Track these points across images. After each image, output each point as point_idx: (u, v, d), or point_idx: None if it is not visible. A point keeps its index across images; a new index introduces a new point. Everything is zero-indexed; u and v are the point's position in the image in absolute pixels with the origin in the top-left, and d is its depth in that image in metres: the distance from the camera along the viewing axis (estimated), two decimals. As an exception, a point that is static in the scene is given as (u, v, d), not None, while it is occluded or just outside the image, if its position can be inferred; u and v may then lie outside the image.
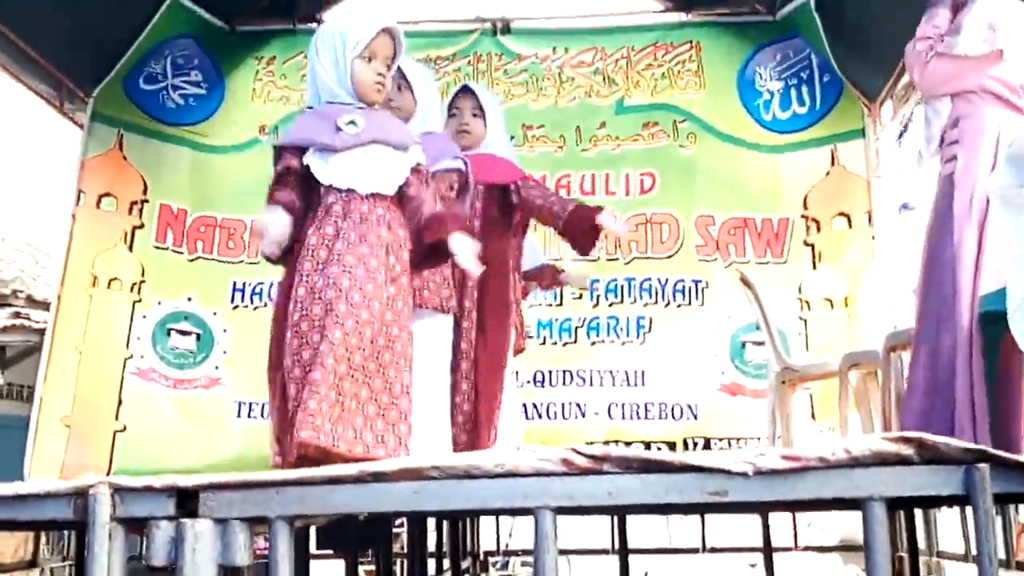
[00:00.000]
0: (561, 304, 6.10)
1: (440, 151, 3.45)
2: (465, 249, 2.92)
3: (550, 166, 6.28)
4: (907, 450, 1.69)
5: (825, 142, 6.13)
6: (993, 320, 2.74)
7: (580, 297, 6.05)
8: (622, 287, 6.13)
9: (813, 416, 5.63)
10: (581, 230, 3.76)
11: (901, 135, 5.48)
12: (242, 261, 6.30)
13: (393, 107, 3.42)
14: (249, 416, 6.02)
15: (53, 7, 5.62)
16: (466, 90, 3.83)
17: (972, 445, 1.72)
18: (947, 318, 3.00)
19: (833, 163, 6.09)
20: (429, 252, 3.02)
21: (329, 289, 2.81)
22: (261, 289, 6.21)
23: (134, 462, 5.76)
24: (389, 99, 3.37)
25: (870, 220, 5.93)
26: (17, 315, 8.76)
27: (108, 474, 5.60)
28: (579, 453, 1.75)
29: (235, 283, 6.26)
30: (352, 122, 2.93)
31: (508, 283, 3.76)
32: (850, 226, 5.98)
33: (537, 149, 6.35)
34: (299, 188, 2.97)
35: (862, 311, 5.82)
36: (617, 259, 6.15)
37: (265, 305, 6.16)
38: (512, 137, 5.68)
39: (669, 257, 6.16)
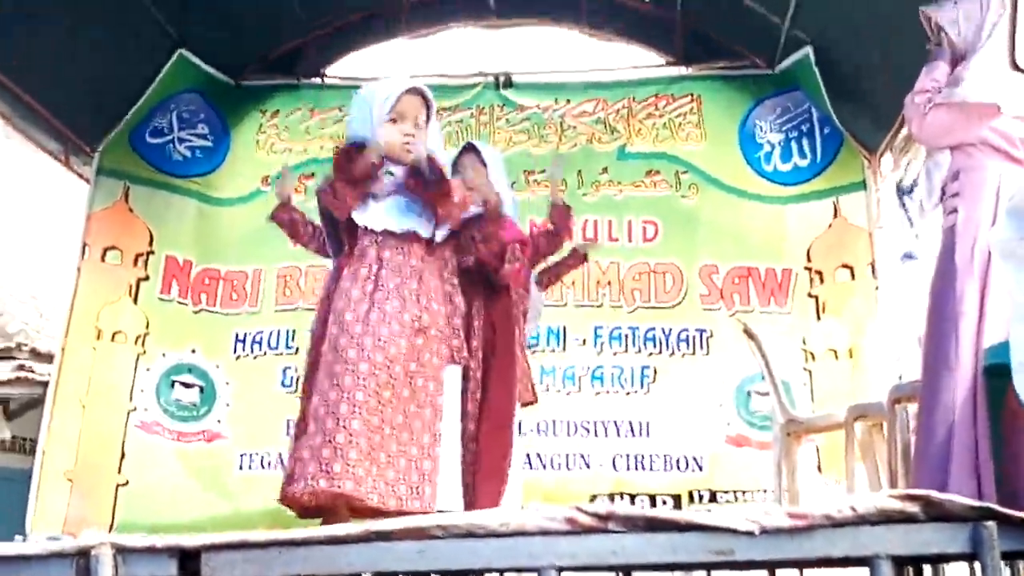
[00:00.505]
0: (565, 350, 6.08)
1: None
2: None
3: None
4: (913, 508, 1.68)
5: (827, 194, 6.15)
6: (997, 372, 2.73)
7: (584, 343, 6.05)
8: (626, 336, 6.10)
9: (819, 468, 5.58)
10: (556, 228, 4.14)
11: (911, 190, 5.49)
12: (242, 312, 6.31)
13: (468, 185, 3.61)
14: (251, 468, 5.99)
15: (59, 62, 5.68)
16: (470, 148, 3.89)
17: (978, 503, 1.71)
18: (951, 371, 2.99)
19: (835, 215, 6.10)
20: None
21: (351, 347, 2.83)
22: (261, 338, 6.21)
23: (136, 516, 5.74)
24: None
25: (873, 271, 5.93)
26: (21, 368, 8.74)
27: (111, 529, 5.60)
28: (583, 512, 1.73)
29: (237, 333, 6.25)
30: (390, 172, 3.00)
31: (513, 337, 3.78)
32: (853, 277, 5.97)
33: (539, 193, 6.29)
34: (334, 230, 3.12)
35: (866, 362, 5.79)
36: (621, 307, 6.14)
37: (265, 354, 6.19)
38: (514, 183, 5.72)
39: (673, 306, 6.14)
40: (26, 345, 9.34)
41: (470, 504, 3.43)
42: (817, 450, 5.53)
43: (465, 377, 3.54)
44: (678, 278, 6.18)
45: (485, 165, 3.80)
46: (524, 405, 3.95)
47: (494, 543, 1.74)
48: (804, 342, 5.96)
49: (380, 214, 3.01)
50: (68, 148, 6.30)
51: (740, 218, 6.26)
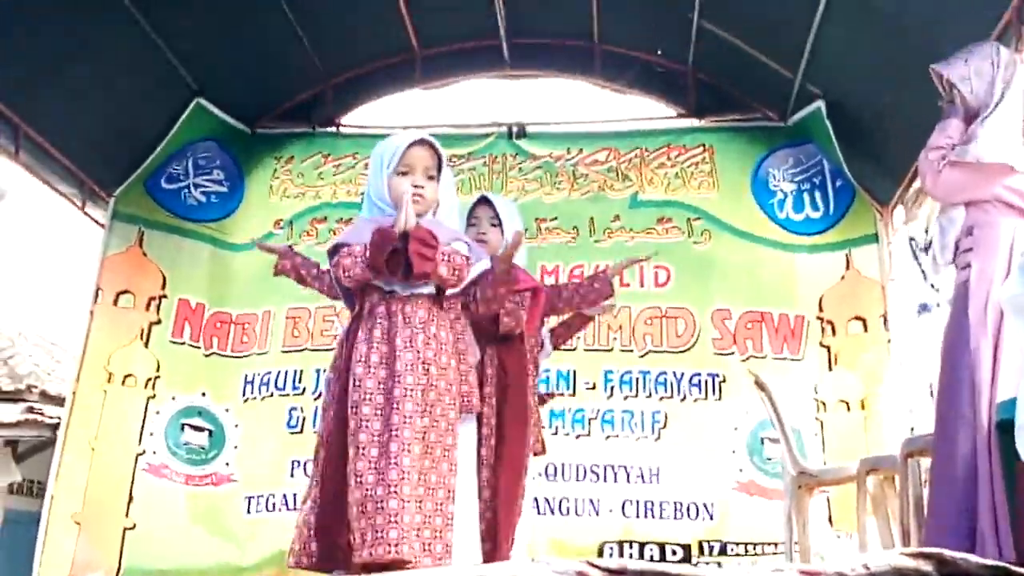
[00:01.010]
0: (575, 394, 6.02)
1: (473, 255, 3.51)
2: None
3: (564, 256, 6.29)
4: (926, 566, 1.67)
5: (839, 247, 6.14)
6: (1010, 428, 2.72)
7: (594, 387, 5.99)
8: (637, 380, 6.04)
9: (831, 520, 5.52)
10: (593, 295, 4.14)
11: (927, 246, 5.50)
12: (252, 354, 6.30)
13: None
14: (258, 512, 5.95)
15: (79, 109, 5.76)
16: (484, 200, 3.89)
17: (993, 562, 1.70)
18: (963, 426, 2.98)
19: (848, 267, 6.09)
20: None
21: (387, 407, 2.85)
22: (269, 379, 6.21)
23: (143, 560, 5.73)
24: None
25: (885, 324, 5.90)
26: (31, 410, 8.76)
27: (117, 573, 5.57)
28: (595, 567, 1.72)
29: (246, 375, 6.25)
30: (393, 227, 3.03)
31: (527, 388, 3.79)
32: (865, 329, 5.94)
33: (550, 240, 6.36)
34: (350, 292, 3.13)
35: (879, 414, 5.75)
36: (632, 351, 6.08)
37: (272, 395, 6.17)
38: (526, 230, 5.72)
39: (685, 351, 6.08)
40: (36, 387, 9.38)
41: (488, 551, 3.42)
42: (828, 502, 5.47)
43: (479, 424, 3.55)
44: (690, 323, 6.13)
45: (499, 220, 3.81)
46: (533, 455, 3.95)
47: (504, 597, 1.73)
48: (816, 391, 5.91)
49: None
50: (85, 193, 6.37)
51: (753, 263, 6.22)
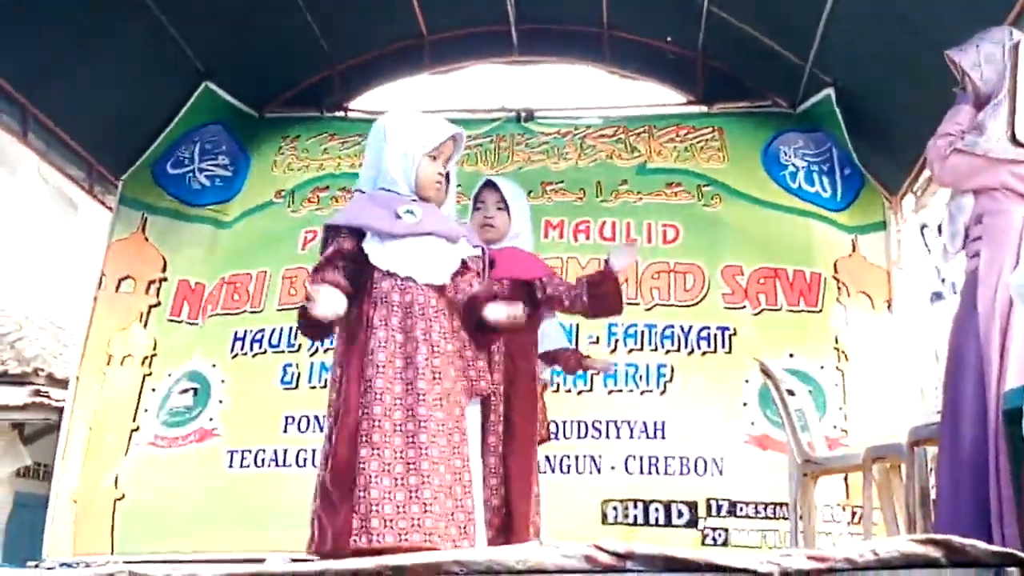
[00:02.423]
0: (577, 348, 5.64)
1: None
2: (502, 313, 3.02)
3: (569, 213, 6.17)
4: (935, 552, 1.67)
5: (847, 231, 6.11)
6: (1017, 417, 2.71)
7: (597, 341, 5.76)
8: (642, 333, 5.85)
9: (847, 494, 5.36)
10: (604, 302, 3.78)
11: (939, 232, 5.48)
12: (245, 311, 6.21)
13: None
14: (242, 466, 5.81)
15: (86, 93, 5.76)
16: (490, 184, 3.84)
17: (1000, 548, 1.70)
18: (969, 415, 2.97)
19: (853, 251, 6.05)
20: (478, 333, 3.09)
21: (400, 395, 2.86)
22: (262, 336, 6.09)
23: (133, 530, 5.68)
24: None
25: (889, 309, 5.88)
26: (37, 393, 8.79)
27: (112, 547, 5.56)
28: (602, 550, 1.73)
29: (236, 332, 6.14)
30: (410, 211, 3.01)
31: (534, 375, 3.79)
32: (873, 308, 5.89)
33: (555, 201, 6.24)
34: (348, 270, 3.01)
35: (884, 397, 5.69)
36: (638, 304, 5.87)
37: (265, 352, 6.06)
38: (531, 191, 5.60)
39: (693, 305, 5.92)
40: (43, 370, 9.39)
41: (506, 538, 3.42)
42: (845, 479, 5.26)
43: (486, 409, 3.54)
44: (699, 277, 5.97)
45: (506, 204, 3.78)
46: (539, 443, 3.94)
47: (512, 580, 1.73)
48: (836, 340, 5.78)
49: (403, 257, 3.00)
50: (92, 177, 6.38)
51: (766, 224, 6.10)
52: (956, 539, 1.68)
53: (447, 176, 3.25)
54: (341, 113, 6.89)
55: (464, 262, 3.10)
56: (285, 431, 5.79)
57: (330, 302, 2.89)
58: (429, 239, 3.03)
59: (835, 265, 5.98)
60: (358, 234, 3.02)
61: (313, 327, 3.01)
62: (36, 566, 5.53)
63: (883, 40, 5.23)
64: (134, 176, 6.38)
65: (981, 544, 1.69)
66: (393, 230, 2.98)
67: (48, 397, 8.65)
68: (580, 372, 4.97)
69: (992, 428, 2.89)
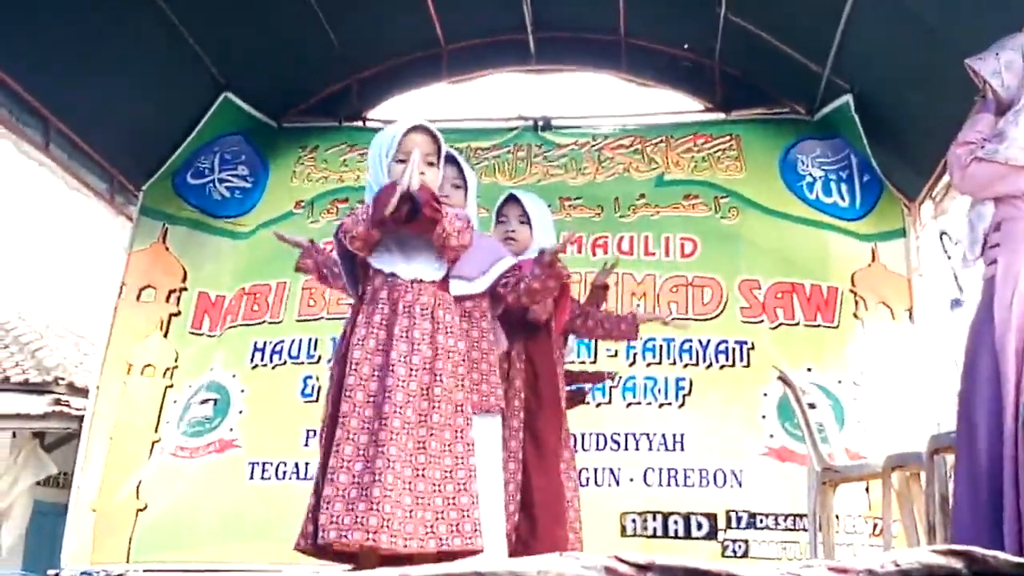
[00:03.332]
0: (595, 361, 5.81)
1: (498, 253, 3.49)
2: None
3: (587, 228, 6.16)
4: (956, 563, 1.66)
5: (866, 239, 6.09)
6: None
7: (616, 355, 5.78)
8: (660, 347, 5.86)
9: (869, 506, 5.38)
10: (617, 332, 4.14)
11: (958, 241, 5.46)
12: (264, 322, 6.24)
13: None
14: (263, 478, 5.84)
15: (107, 103, 5.80)
16: (512, 198, 3.85)
17: (1022, 559, 1.69)
18: (984, 424, 2.96)
19: (873, 260, 6.04)
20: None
21: (374, 393, 2.86)
22: (282, 348, 6.14)
23: (153, 539, 5.70)
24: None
25: (911, 317, 5.87)
26: (57, 402, 8.85)
27: (128, 555, 5.58)
28: (623, 561, 1.72)
29: (255, 343, 6.17)
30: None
31: (556, 380, 3.79)
32: (893, 317, 5.88)
33: (574, 216, 6.24)
34: (353, 270, 3.13)
35: (905, 403, 5.66)
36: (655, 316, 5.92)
37: (285, 363, 6.11)
38: (549, 205, 5.63)
39: (711, 319, 5.93)
40: (63, 379, 9.46)
41: (535, 551, 3.42)
42: (867, 490, 5.27)
43: (509, 419, 3.55)
44: (717, 292, 6.00)
45: (528, 217, 3.78)
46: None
47: (532, 590, 1.73)
48: (854, 356, 5.78)
49: (390, 255, 3.04)
50: (114, 187, 6.43)
51: (783, 238, 6.11)
52: (978, 550, 1.67)
53: (463, 176, 3.32)
54: (359, 123, 6.91)
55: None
56: (306, 444, 5.79)
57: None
58: (415, 238, 3.04)
59: (852, 278, 5.98)
60: None
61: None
62: (56, 575, 5.56)
63: (901, 46, 5.22)
64: (155, 186, 6.42)
65: (1003, 555, 1.69)
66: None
67: (68, 406, 8.71)
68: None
69: (1011, 436, 2.87)
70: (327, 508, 2.76)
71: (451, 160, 3.62)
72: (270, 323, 6.23)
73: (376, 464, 2.77)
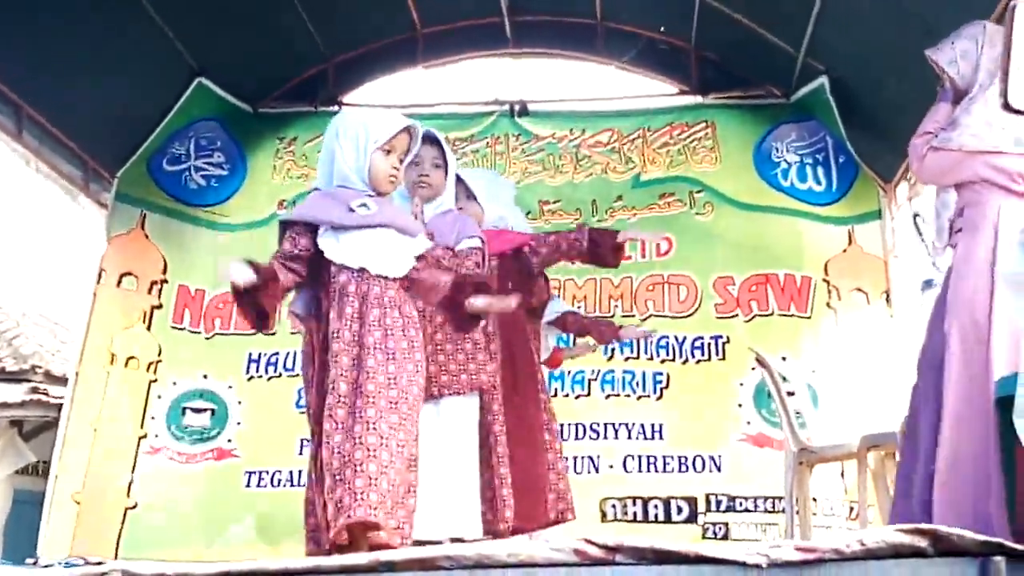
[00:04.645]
0: (573, 358, 5.84)
1: (461, 231, 3.50)
2: (483, 305, 3.05)
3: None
4: (922, 542, 1.68)
5: (842, 222, 6.13)
6: (1008, 404, 2.72)
7: (595, 349, 5.73)
8: (638, 343, 5.97)
9: (846, 490, 5.46)
10: (604, 251, 3.99)
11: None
12: (257, 333, 6.26)
13: (425, 182, 3.55)
14: (259, 486, 5.97)
15: (80, 90, 5.75)
16: (429, 138, 3.60)
17: (988, 538, 1.71)
18: (927, 406, 3.02)
19: (850, 243, 6.08)
20: (465, 318, 3.12)
21: (362, 378, 2.86)
22: (276, 360, 6.22)
23: (143, 538, 5.74)
24: (423, 175, 3.56)
25: (888, 300, 5.91)
26: (35, 390, 8.81)
27: (116, 550, 5.59)
28: (592, 543, 1.73)
29: (251, 354, 6.25)
30: (364, 204, 3.03)
31: (532, 356, 3.81)
32: (868, 303, 5.94)
33: (552, 223, 6.29)
34: (305, 267, 3.09)
35: (878, 388, 5.72)
36: (633, 315, 6.04)
37: (280, 375, 6.18)
38: (528, 212, 5.72)
39: (687, 316, 6.06)
40: (40, 367, 9.41)
41: (518, 527, 3.44)
42: (843, 475, 5.40)
43: (487, 399, 3.56)
44: (692, 289, 6.12)
45: (444, 161, 3.65)
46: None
47: (501, 574, 1.74)
48: (826, 346, 5.87)
49: (356, 249, 3.02)
50: (88, 174, 6.38)
51: (757, 231, 6.20)
52: (943, 528, 1.69)
53: (443, 157, 3.32)
54: (335, 108, 6.85)
55: (423, 256, 3.13)
56: (300, 453, 5.84)
57: (238, 273, 2.94)
58: (383, 231, 3.05)
59: (825, 267, 6.07)
60: (312, 229, 3.06)
61: (244, 307, 3.06)
62: (34, 563, 5.54)
63: (876, 28, 5.22)
64: (130, 172, 6.37)
65: (968, 533, 1.70)
66: (345, 222, 3.00)
67: (46, 394, 8.67)
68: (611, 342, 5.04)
69: (952, 419, 2.91)
70: (332, 494, 2.78)
71: (433, 141, 3.63)
72: (264, 335, 6.21)
73: (368, 440, 2.80)
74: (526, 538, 3.50)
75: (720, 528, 5.62)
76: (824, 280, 6.03)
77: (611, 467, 5.78)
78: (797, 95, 6.34)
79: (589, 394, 5.95)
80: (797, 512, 4.44)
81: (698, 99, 6.70)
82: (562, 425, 5.54)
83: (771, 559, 1.67)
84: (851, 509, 5.37)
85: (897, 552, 1.67)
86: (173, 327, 6.28)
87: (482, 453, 3.55)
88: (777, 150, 6.37)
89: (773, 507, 5.56)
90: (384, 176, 3.07)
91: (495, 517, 3.52)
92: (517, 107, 6.70)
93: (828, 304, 6.00)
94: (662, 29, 6.72)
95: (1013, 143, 3.00)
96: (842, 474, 5.39)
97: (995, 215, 3.03)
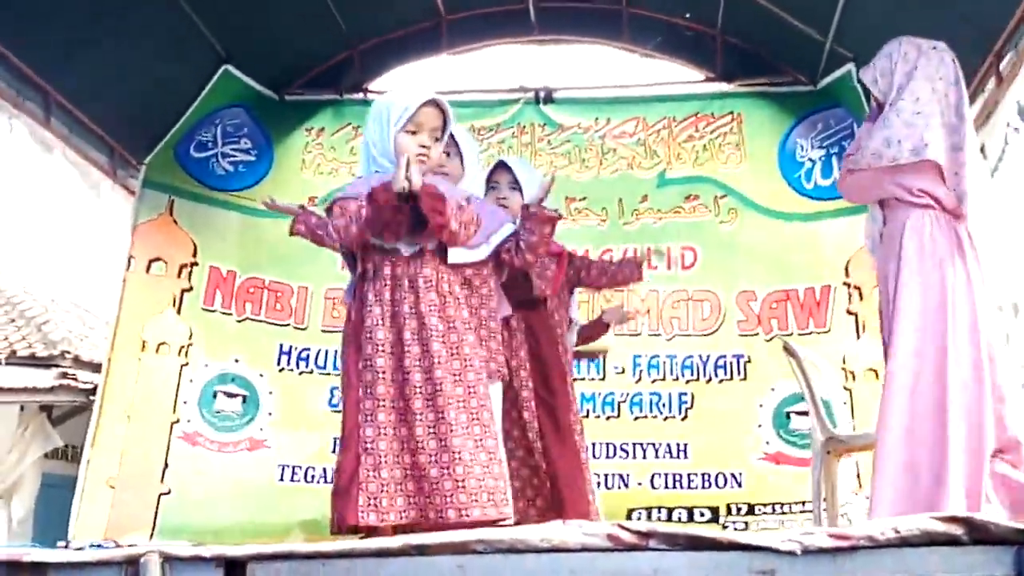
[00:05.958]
0: (604, 379, 6.15)
1: (497, 220, 3.48)
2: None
3: (593, 239, 6.28)
4: (957, 530, 1.67)
5: (864, 210, 6.08)
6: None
7: (623, 372, 6.16)
8: (664, 363, 6.20)
9: (859, 483, 5.49)
10: (621, 276, 4.26)
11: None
12: (289, 324, 6.36)
13: (442, 171, 3.49)
14: (292, 480, 6.05)
15: (108, 77, 5.79)
16: (502, 165, 3.88)
17: (1022, 525, 1.70)
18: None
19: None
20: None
21: (390, 368, 2.89)
22: (307, 355, 6.29)
23: (177, 524, 5.79)
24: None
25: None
26: (64, 375, 8.88)
27: (151, 536, 5.65)
28: (625, 529, 1.74)
29: (282, 346, 6.31)
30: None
31: (558, 346, 3.83)
32: None
33: (580, 223, 6.39)
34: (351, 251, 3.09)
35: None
36: (659, 335, 6.24)
37: (312, 372, 6.25)
38: (556, 210, 5.71)
39: (710, 334, 6.22)
40: (70, 353, 9.48)
41: (557, 513, 3.46)
42: (857, 465, 5.45)
43: (516, 389, 3.57)
44: (715, 305, 6.25)
45: (519, 184, 3.78)
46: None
47: (535, 559, 1.75)
48: (844, 361, 5.92)
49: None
50: (115, 161, 6.43)
51: (779, 240, 6.29)
52: (978, 516, 1.69)
53: (456, 144, 3.31)
54: (360, 95, 6.87)
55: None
56: (333, 451, 5.83)
57: (416, 176, 2.85)
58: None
59: (847, 268, 6.10)
60: None
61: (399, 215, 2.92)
62: (66, 546, 5.60)
63: (903, 13, 5.17)
64: (157, 159, 6.39)
65: (1003, 521, 1.70)
66: None
67: (75, 379, 8.74)
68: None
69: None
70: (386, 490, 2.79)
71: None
72: (295, 328, 6.37)
73: (380, 443, 2.81)
74: (560, 523, 3.50)
75: (740, 526, 5.79)
76: (845, 283, 6.10)
77: (639, 484, 5.99)
78: (823, 82, 6.32)
79: (619, 416, 6.16)
80: (824, 499, 4.42)
81: (723, 86, 6.67)
82: (593, 444, 5.72)
83: (805, 546, 1.68)
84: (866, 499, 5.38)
85: (932, 540, 1.67)
86: (204, 309, 6.31)
87: (515, 446, 3.58)
88: (802, 148, 6.39)
89: (791, 511, 5.74)
90: (411, 157, 3.01)
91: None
92: (543, 94, 6.68)
93: (848, 310, 6.07)
94: (688, 15, 6.69)
95: (909, 153, 3.06)
96: (858, 475, 5.41)
97: (901, 228, 3.15)
